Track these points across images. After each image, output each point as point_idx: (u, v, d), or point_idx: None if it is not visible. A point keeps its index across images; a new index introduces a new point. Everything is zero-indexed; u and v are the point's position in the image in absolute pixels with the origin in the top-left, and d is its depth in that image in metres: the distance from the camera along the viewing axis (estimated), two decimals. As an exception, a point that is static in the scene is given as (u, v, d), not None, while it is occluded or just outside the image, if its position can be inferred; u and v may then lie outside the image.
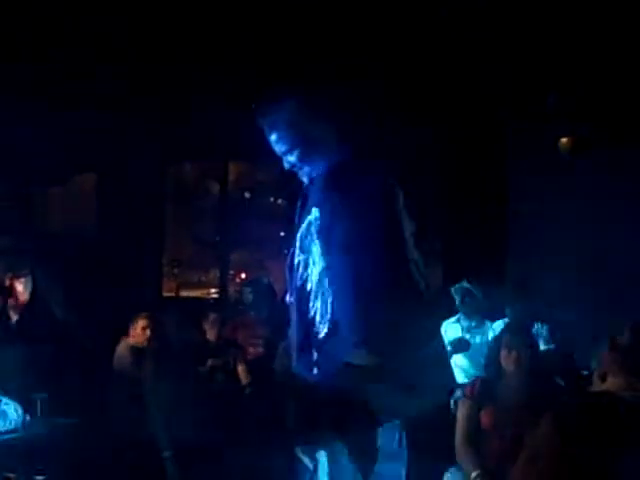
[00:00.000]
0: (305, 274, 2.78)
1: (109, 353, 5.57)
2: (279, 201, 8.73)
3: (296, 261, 2.82)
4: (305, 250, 2.78)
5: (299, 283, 2.79)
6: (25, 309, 4.73)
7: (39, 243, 6.52)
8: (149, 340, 5.43)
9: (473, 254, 6.28)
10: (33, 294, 4.74)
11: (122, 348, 5.48)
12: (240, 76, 6.12)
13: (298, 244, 2.81)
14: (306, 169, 2.85)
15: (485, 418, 4.07)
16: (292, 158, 2.83)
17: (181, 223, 8.53)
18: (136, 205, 7.41)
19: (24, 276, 4.87)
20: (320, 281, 2.71)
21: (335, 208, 2.70)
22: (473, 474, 3.96)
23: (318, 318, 2.72)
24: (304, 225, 2.80)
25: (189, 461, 4.76)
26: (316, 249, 2.74)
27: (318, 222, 2.74)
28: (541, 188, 6.64)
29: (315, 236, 2.74)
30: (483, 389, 4.15)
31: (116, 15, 5.57)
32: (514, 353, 4.14)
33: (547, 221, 6.59)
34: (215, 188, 8.50)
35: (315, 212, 2.77)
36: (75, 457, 4.39)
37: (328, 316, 2.69)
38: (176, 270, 8.34)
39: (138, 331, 5.50)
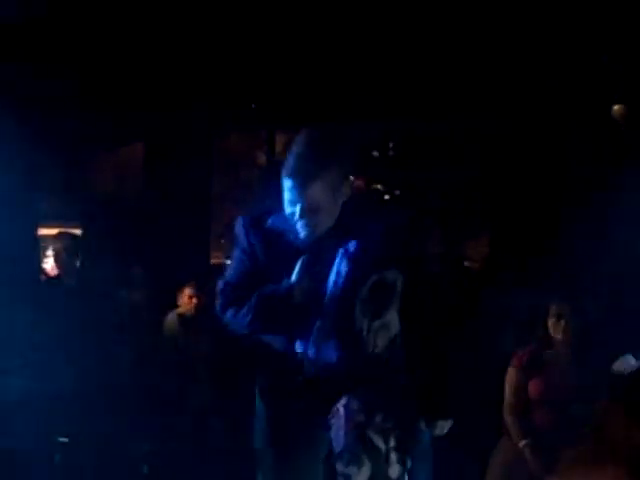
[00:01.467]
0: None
1: (157, 322, 5.68)
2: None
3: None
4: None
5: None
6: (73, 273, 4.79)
7: (88, 208, 6.66)
8: (196, 308, 5.53)
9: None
10: (82, 258, 4.81)
11: (170, 317, 5.58)
12: (287, 46, 6.14)
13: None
14: (312, 221, 2.62)
15: (533, 388, 4.09)
16: (303, 204, 2.59)
17: (228, 193, 8.59)
18: (183, 174, 7.49)
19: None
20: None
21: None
22: (521, 443, 4.02)
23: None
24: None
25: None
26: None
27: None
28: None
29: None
30: (531, 358, 4.15)
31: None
32: (563, 321, 4.11)
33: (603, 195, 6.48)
34: (262, 158, 8.52)
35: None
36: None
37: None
38: (223, 240, 8.40)
39: (185, 300, 5.60)
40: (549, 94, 6.67)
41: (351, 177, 2.70)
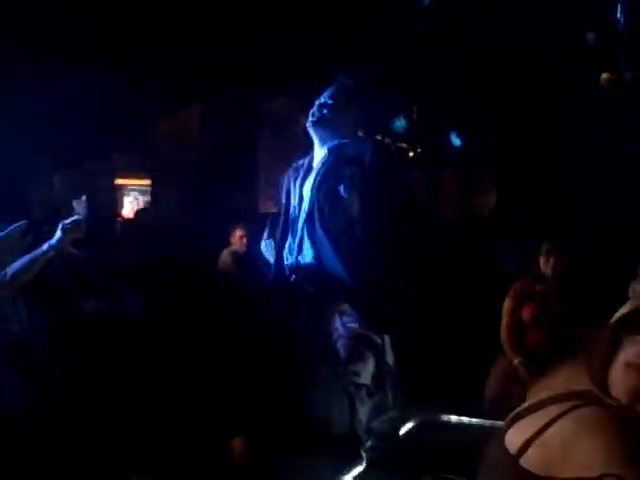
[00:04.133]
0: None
1: (214, 258, 6.35)
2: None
3: None
4: None
5: None
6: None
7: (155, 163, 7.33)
8: (245, 246, 6.27)
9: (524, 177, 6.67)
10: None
11: (225, 254, 6.26)
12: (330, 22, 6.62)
13: None
14: (319, 116, 3.51)
15: (525, 314, 4.57)
16: (327, 112, 3.51)
17: (274, 151, 9.17)
18: (234, 134, 8.11)
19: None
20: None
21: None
22: (515, 361, 4.51)
23: None
24: None
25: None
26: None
27: None
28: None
29: None
30: (524, 290, 4.60)
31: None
32: (552, 259, 4.58)
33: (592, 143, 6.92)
34: (304, 120, 9.06)
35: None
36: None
37: None
38: (272, 191, 9.02)
39: (236, 239, 6.35)
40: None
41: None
